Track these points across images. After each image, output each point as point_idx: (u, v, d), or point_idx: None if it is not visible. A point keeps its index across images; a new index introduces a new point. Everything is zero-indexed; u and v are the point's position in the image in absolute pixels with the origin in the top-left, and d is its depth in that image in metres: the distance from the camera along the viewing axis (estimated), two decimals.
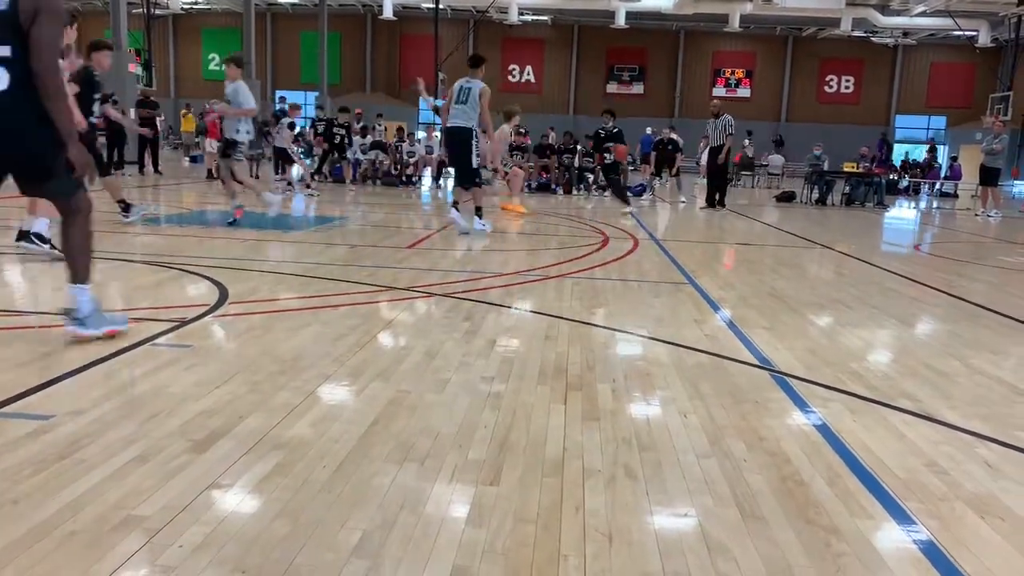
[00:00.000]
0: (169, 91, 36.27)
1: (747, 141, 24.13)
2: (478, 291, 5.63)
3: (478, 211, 9.07)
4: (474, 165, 8.93)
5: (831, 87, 37.34)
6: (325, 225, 9.55)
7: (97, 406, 2.96)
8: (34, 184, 3.75)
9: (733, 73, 37.10)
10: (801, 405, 3.39)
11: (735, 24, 30.25)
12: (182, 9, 34.23)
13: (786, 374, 3.82)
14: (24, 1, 3.33)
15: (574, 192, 17.54)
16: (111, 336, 3.86)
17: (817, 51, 36.71)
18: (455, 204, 9.27)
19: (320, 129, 17.35)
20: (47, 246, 6.01)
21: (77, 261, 3.79)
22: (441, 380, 3.49)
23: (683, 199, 16.51)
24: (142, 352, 3.71)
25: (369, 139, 18.33)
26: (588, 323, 4.75)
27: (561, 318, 4.82)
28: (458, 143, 8.89)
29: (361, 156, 18.08)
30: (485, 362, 3.80)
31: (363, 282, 5.80)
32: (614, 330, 4.65)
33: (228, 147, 8.96)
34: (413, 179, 18.19)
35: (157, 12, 31.43)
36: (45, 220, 6.01)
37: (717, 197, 14.52)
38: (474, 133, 8.84)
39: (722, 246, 9.64)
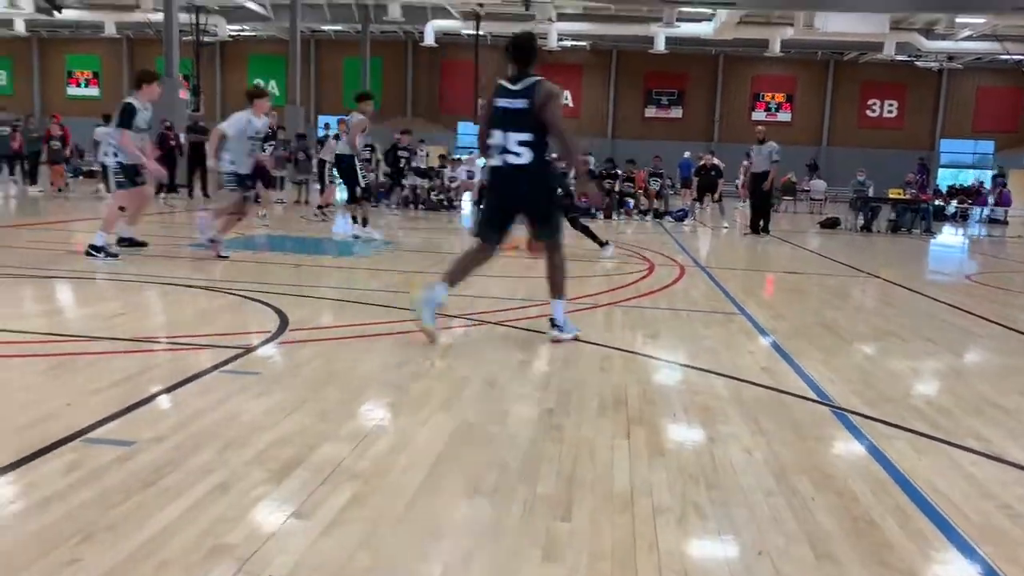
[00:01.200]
0: (216, 116, 37.11)
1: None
2: (529, 319, 5.68)
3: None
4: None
5: (873, 111, 36.96)
6: (373, 251, 9.69)
7: (175, 433, 3.07)
8: (535, 229, 5.05)
9: (773, 97, 36.95)
10: (865, 442, 3.37)
11: (775, 49, 30.19)
12: (229, 36, 35.10)
13: (846, 410, 3.80)
14: (537, 97, 4.71)
15: (615, 217, 17.57)
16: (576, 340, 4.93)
17: (859, 75, 36.41)
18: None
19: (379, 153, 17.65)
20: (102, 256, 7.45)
21: (557, 281, 5.06)
22: (502, 411, 3.54)
23: (726, 225, 16.44)
24: (212, 379, 3.83)
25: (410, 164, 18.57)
26: (642, 354, 4.77)
27: (614, 348, 4.85)
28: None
29: (405, 181, 18.32)
30: (543, 393, 3.85)
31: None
32: (669, 362, 4.67)
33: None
34: (455, 204, 18.37)
35: (206, 39, 32.30)
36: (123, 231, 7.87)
37: (761, 223, 14.45)
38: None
39: (769, 274, 9.59)
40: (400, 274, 7.75)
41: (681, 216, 17.58)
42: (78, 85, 40.06)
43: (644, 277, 8.27)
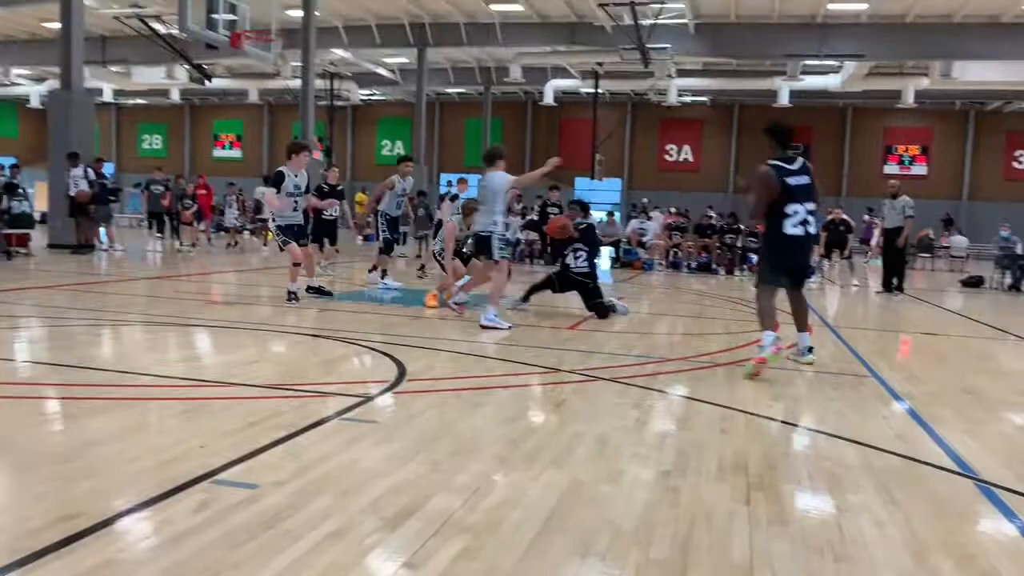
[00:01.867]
0: (346, 175, 39.15)
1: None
2: (645, 376, 5.57)
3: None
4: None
5: (1020, 163, 34.62)
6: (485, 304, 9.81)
7: (297, 478, 3.17)
8: (801, 280, 6.37)
9: (907, 150, 35.29)
10: (1017, 522, 3.07)
11: (909, 99, 28.95)
12: (360, 101, 37.14)
13: (994, 484, 3.49)
14: (811, 174, 6.13)
15: (736, 273, 17.13)
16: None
17: (1004, 125, 34.26)
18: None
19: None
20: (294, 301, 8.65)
21: (804, 317, 6.32)
22: (615, 471, 3.47)
23: (856, 282, 15.69)
24: (333, 426, 3.95)
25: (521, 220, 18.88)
26: (765, 416, 4.57)
27: (735, 409, 4.68)
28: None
29: (520, 236, 18.60)
30: (659, 453, 3.74)
31: (528, 363, 5.90)
32: (794, 425, 4.45)
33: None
34: None
35: (339, 104, 34.31)
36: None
37: (895, 281, 13.70)
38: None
39: (904, 334, 9.04)
40: (515, 328, 7.80)
41: (809, 273, 16.92)
42: (223, 147, 43.29)
43: None
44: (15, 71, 33.98)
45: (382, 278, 11.35)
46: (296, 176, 8.94)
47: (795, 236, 5.93)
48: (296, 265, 8.85)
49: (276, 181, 8.88)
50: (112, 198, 16.65)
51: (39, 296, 8.92)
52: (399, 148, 39.88)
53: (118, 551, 2.45)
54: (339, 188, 13.63)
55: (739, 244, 17.66)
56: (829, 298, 13.24)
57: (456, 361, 5.93)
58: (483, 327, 7.44)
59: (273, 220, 9.11)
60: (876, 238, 20.75)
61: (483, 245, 7.88)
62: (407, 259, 17.69)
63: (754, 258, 17.57)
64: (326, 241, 12.81)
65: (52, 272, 11.55)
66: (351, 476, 3.22)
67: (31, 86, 35.66)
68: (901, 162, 35.19)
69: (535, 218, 18.74)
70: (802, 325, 6.31)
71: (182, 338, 6.57)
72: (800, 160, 6.14)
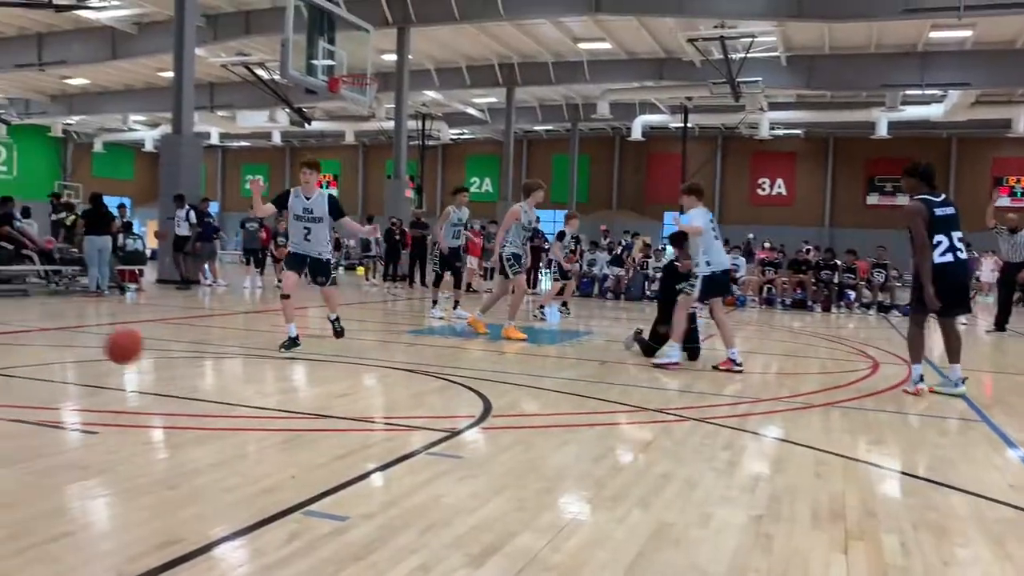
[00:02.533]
0: (436, 211, 40.01)
1: None
2: (736, 417, 5.42)
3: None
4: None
5: None
6: (574, 340, 9.80)
7: (384, 511, 3.22)
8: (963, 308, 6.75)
9: (1019, 181, 33.48)
10: None
11: (1020, 128, 27.51)
12: (450, 139, 38.03)
13: None
14: (955, 206, 6.51)
15: (833, 310, 16.53)
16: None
17: None
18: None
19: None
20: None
21: (957, 348, 6.59)
22: (705, 514, 3.37)
23: (964, 321, 14.86)
24: (420, 460, 4.00)
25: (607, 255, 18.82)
26: (864, 461, 4.36)
27: (831, 453, 4.48)
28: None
29: (607, 271, 18.53)
30: (751, 497, 3.62)
31: (616, 401, 5.83)
32: (895, 471, 4.23)
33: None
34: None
35: (430, 143, 35.23)
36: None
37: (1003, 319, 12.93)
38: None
39: (1018, 377, 8.49)
40: (601, 364, 7.75)
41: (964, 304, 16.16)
42: (320, 187, 44.96)
43: (867, 376, 7.64)
44: (133, 117, 36.44)
45: (454, 308, 11.71)
46: (308, 199, 7.72)
47: (945, 263, 6.29)
48: (285, 298, 7.81)
49: (280, 201, 7.83)
50: (215, 236, 17.55)
51: (147, 329, 9.42)
52: (488, 185, 40.54)
53: None
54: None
55: (836, 280, 17.05)
56: (934, 337, 12.58)
57: (541, 397, 5.92)
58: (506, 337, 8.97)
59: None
60: (986, 274, 19.69)
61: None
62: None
63: (852, 294, 16.94)
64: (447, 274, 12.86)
65: (159, 306, 12.20)
66: (437, 511, 3.24)
67: (146, 131, 38.15)
68: (1013, 194, 33.36)
69: (618, 253, 18.70)
70: (955, 356, 6.54)
71: (277, 371, 6.81)
72: (942, 193, 6.58)
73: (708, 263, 7.41)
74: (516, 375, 6.78)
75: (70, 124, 38.68)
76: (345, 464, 3.86)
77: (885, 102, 27.14)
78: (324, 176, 44.86)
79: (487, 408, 5.30)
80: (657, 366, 7.43)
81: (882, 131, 28.59)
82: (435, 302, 11.93)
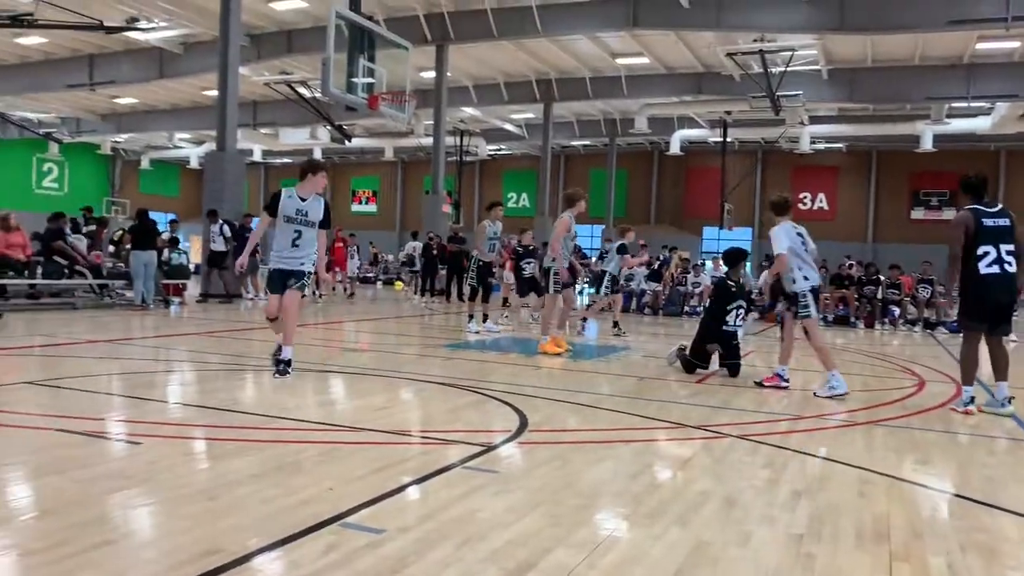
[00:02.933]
0: (472, 226, 40.21)
1: None
2: (777, 435, 5.33)
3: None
4: None
5: None
6: (611, 355, 9.74)
7: (420, 524, 3.22)
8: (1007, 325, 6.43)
9: None
10: None
11: None
12: (488, 155, 38.24)
13: None
14: (1012, 217, 6.22)
15: (877, 326, 16.20)
16: None
17: None
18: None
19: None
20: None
21: (1004, 366, 6.37)
22: (744, 532, 3.31)
23: (1014, 338, 14.45)
24: (456, 474, 4.00)
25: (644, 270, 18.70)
26: (909, 481, 4.25)
27: (875, 472, 4.38)
28: None
29: (645, 286, 18.42)
30: (791, 516, 3.55)
31: (653, 417, 5.77)
32: (942, 491, 4.12)
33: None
34: (698, 309, 18.03)
35: (467, 159, 35.46)
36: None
37: None
38: None
39: None
40: (639, 380, 7.68)
41: (957, 327, 15.77)
42: (360, 203, 45.58)
43: (912, 394, 7.46)
44: (178, 135, 37.31)
45: (483, 322, 11.75)
46: (303, 200, 6.80)
47: (991, 275, 6.09)
48: (271, 320, 7.08)
49: (271, 206, 6.84)
50: (256, 251, 17.79)
51: (189, 342, 9.60)
52: (524, 200, 40.64)
53: None
54: (532, 249, 14.16)
55: (879, 296, 16.71)
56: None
57: (578, 413, 5.89)
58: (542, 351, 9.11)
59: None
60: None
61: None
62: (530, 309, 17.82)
63: (896, 310, 16.60)
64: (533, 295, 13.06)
65: (201, 320, 12.43)
66: (472, 525, 3.23)
67: (191, 148, 39.03)
68: None
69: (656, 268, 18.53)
70: (1002, 374, 6.34)
71: (316, 384, 6.88)
72: (999, 204, 6.36)
73: (806, 278, 7.15)
74: (553, 390, 6.76)
75: (118, 142, 39.75)
76: (382, 477, 3.88)
77: (930, 115, 26.66)
78: (363, 192, 45.45)
79: (523, 423, 5.28)
80: (822, 395, 6.91)
81: (927, 144, 28.04)
82: (471, 316, 12.02)
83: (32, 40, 23.97)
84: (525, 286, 14.62)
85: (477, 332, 11.49)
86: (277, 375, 6.82)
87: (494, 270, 13.08)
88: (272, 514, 3.29)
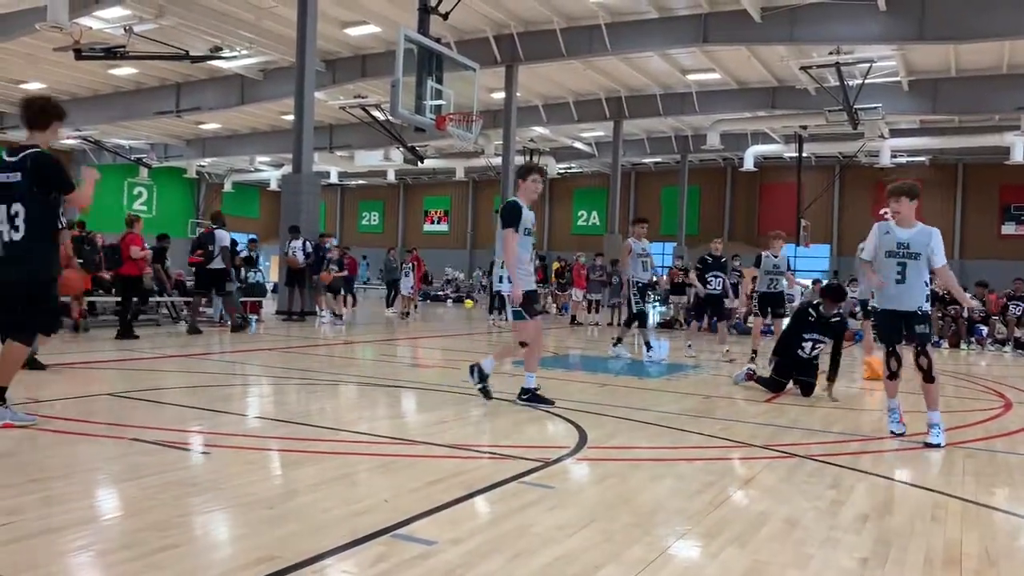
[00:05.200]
0: (543, 245, 40.30)
1: None
2: (846, 455, 5.14)
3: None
4: None
5: None
6: (678, 373, 9.58)
7: (472, 537, 3.23)
8: None
9: None
10: None
11: None
12: (558, 174, 38.33)
13: None
14: None
15: (962, 346, 15.47)
16: None
17: None
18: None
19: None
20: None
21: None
22: (804, 554, 3.20)
23: None
24: (511, 489, 4.00)
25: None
26: (987, 506, 4.04)
27: (951, 496, 4.17)
28: None
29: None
30: (856, 539, 3.41)
31: (717, 436, 5.65)
32: (1022, 518, 3.89)
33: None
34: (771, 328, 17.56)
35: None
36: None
37: None
38: None
39: None
40: (704, 399, 7.54)
41: None
42: (432, 222, 46.28)
43: (997, 416, 7.10)
44: (259, 158, 38.71)
45: (615, 344, 11.05)
46: (531, 210, 6.61)
47: None
48: (522, 346, 6.68)
49: (511, 215, 6.46)
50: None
51: (264, 357, 9.89)
52: (595, 218, 40.55)
53: None
54: (722, 259, 12.39)
55: (964, 314, 15.97)
56: None
57: (639, 430, 5.81)
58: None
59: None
60: None
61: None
62: (599, 327, 17.72)
63: (983, 330, 15.85)
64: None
65: (277, 336, 12.79)
66: (524, 540, 3.22)
67: (271, 171, 40.43)
68: None
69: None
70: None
71: (382, 398, 6.99)
72: None
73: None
74: (616, 407, 6.69)
75: (203, 166, 41.48)
76: (437, 490, 3.91)
77: (1021, 125, 25.44)
78: (435, 212, 46.15)
79: (583, 439, 5.25)
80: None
81: (1018, 156, 26.75)
82: (619, 340, 11.11)
83: (124, 71, 25.33)
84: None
85: (651, 359, 10.73)
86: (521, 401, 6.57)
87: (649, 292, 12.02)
88: (327, 523, 3.35)
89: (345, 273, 18.09)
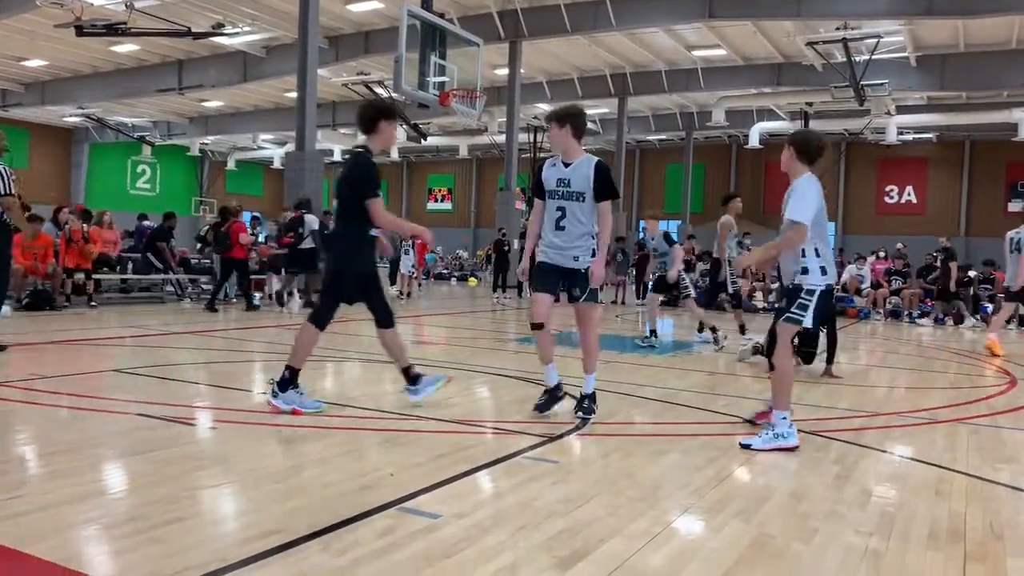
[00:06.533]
0: None
1: None
2: (851, 431, 5.14)
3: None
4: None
5: None
6: (684, 351, 9.58)
7: (476, 510, 3.24)
8: None
9: None
10: None
11: None
12: None
13: None
14: None
15: (970, 323, 15.44)
16: None
17: None
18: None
19: None
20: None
21: None
22: (809, 528, 3.21)
23: None
24: (515, 464, 4.01)
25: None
26: (992, 481, 4.04)
27: (955, 471, 4.18)
28: None
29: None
30: (861, 513, 3.42)
31: (722, 412, 5.66)
32: None
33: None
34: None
35: (541, 155, 35.46)
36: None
37: None
38: None
39: None
40: (709, 375, 7.54)
41: None
42: (435, 200, 46.17)
43: (1002, 392, 7.09)
44: (262, 136, 38.57)
45: (702, 331, 10.07)
46: (567, 166, 5.10)
47: None
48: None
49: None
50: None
51: (270, 335, 9.91)
52: None
53: (309, 567, 2.62)
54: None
55: (972, 291, 15.92)
56: None
57: (643, 406, 5.82)
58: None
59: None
60: None
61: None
62: (603, 305, 17.72)
63: (988, 307, 15.81)
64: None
65: (282, 313, 12.80)
66: (528, 513, 3.24)
67: (274, 149, 40.28)
68: None
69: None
70: None
71: (387, 374, 6.99)
72: None
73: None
74: (620, 384, 6.69)
75: (206, 144, 41.36)
76: (442, 464, 3.92)
77: None
78: (439, 190, 46.03)
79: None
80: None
81: None
82: (714, 329, 9.75)
83: (126, 48, 25.18)
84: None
85: (721, 348, 9.51)
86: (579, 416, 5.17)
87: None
88: (333, 497, 3.36)
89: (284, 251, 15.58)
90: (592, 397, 5.20)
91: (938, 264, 16.59)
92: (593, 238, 5.09)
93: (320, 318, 5.20)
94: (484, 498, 3.45)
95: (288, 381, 5.00)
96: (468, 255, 37.89)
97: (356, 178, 5.04)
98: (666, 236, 9.99)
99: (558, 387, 5.32)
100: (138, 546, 2.74)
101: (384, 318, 5.27)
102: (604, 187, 4.97)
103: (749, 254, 5.24)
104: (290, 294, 13.95)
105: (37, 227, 11.81)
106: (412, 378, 5.33)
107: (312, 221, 13.74)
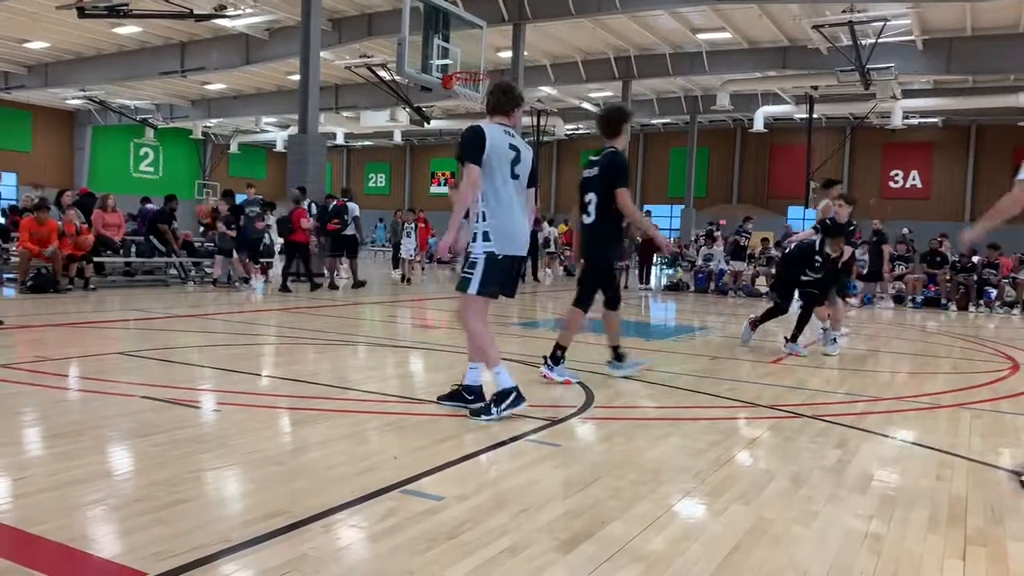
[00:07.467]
0: (549, 206, 40.12)
1: None
2: (852, 416, 5.15)
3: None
4: None
5: None
6: (687, 335, 9.59)
7: (478, 493, 3.26)
8: None
9: None
10: None
11: None
12: (565, 135, 38.00)
13: None
14: None
15: (971, 309, 15.42)
16: None
17: None
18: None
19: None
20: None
21: None
22: (809, 511, 3.22)
23: None
24: (518, 447, 4.03)
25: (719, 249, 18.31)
26: (993, 465, 4.05)
27: (957, 456, 4.19)
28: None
29: (725, 267, 18.03)
30: (861, 497, 3.43)
31: (724, 396, 5.67)
32: None
33: None
34: None
35: (545, 139, 35.32)
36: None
37: None
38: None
39: None
40: (710, 360, 7.55)
41: None
42: (439, 184, 46.05)
43: (1004, 377, 7.09)
44: (264, 119, 38.43)
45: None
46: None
47: None
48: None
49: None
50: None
51: (273, 317, 9.93)
52: None
53: (311, 548, 2.64)
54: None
55: (975, 277, 15.88)
56: None
57: (646, 390, 5.83)
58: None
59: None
60: None
61: None
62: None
63: (993, 292, 15.78)
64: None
65: (285, 297, 12.82)
66: (530, 496, 3.25)
67: (277, 132, 40.15)
68: None
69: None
70: None
71: (391, 358, 7.02)
72: None
73: None
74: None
75: (209, 127, 41.23)
76: (445, 447, 3.94)
77: None
78: (442, 173, 45.92)
79: (590, 399, 5.27)
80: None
81: None
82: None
83: (128, 30, 25.04)
84: None
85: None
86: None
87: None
88: (337, 479, 3.38)
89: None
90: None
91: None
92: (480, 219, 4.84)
93: (584, 302, 5.94)
94: (486, 481, 3.46)
95: (559, 358, 5.78)
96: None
97: (614, 173, 5.70)
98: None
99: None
100: (143, 527, 2.76)
101: (614, 301, 6.08)
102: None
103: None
104: (337, 275, 14.76)
105: (44, 214, 11.83)
106: (618, 356, 6.15)
107: (354, 209, 14.36)
